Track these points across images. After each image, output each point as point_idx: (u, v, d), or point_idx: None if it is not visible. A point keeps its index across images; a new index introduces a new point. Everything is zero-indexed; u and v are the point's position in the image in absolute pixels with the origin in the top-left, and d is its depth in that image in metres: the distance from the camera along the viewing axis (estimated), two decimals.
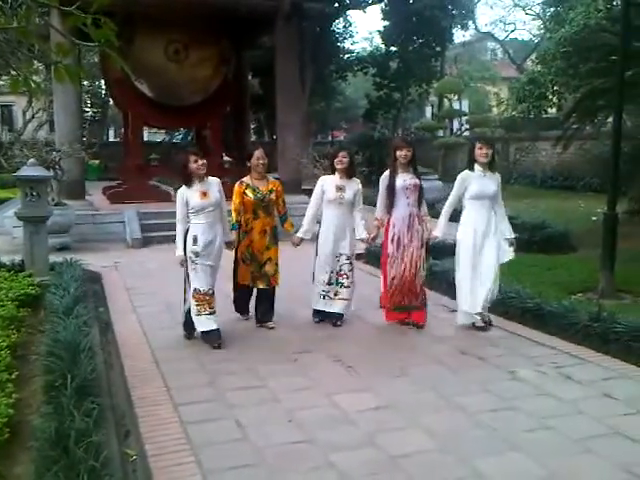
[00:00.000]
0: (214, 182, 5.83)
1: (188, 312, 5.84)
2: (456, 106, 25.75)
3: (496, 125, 24.31)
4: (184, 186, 5.73)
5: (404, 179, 6.10)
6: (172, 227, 11.68)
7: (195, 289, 5.70)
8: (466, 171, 6.12)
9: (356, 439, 3.94)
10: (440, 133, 24.56)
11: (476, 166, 6.05)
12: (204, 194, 5.66)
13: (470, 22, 31.38)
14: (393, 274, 6.16)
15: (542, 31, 27.84)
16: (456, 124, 25.63)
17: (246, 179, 6.20)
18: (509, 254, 6.12)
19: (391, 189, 6.10)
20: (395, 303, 6.23)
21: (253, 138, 27.88)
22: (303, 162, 13.18)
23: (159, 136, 30.46)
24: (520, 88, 19.75)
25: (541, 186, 20.48)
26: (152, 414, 4.32)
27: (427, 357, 5.45)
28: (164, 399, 4.57)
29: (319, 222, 6.35)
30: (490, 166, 6.08)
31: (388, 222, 6.19)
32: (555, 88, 18.88)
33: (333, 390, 4.69)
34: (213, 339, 5.71)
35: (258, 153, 6.13)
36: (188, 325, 5.91)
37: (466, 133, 24.53)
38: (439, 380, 4.89)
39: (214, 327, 5.74)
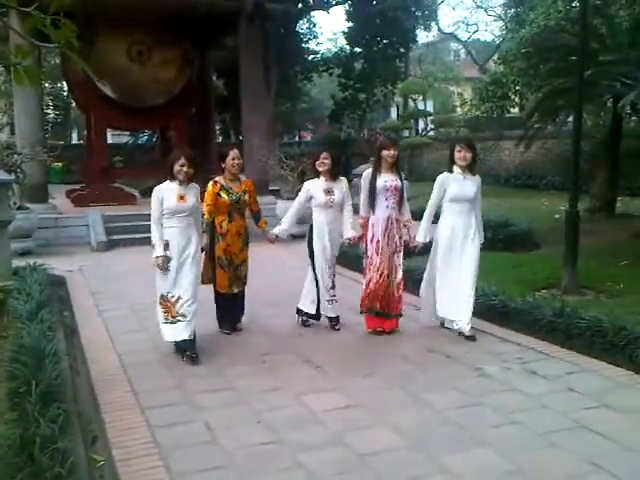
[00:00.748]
0: (194, 188, 5.56)
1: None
2: (421, 106, 26.01)
3: (460, 125, 24.64)
4: (164, 184, 5.48)
5: (385, 180, 5.94)
6: (137, 229, 11.72)
7: (162, 295, 5.44)
8: (445, 173, 5.95)
9: (325, 438, 3.95)
10: (405, 133, 24.75)
11: (455, 168, 5.90)
12: (181, 197, 5.43)
13: (433, 23, 31.75)
14: (370, 276, 6.02)
15: (504, 32, 28.21)
16: (421, 124, 25.88)
17: (220, 179, 6.01)
18: None
19: (372, 189, 5.96)
20: (369, 305, 6.07)
21: (219, 139, 27.76)
22: (270, 163, 13.16)
23: (124, 138, 30.06)
24: (483, 88, 20.10)
25: (505, 185, 20.75)
26: (119, 419, 4.27)
27: (395, 356, 5.49)
28: (131, 403, 4.53)
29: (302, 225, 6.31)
30: (471, 168, 5.91)
31: (368, 223, 6.06)
32: (517, 88, 19.23)
33: (302, 390, 4.69)
34: (186, 348, 5.39)
35: (233, 153, 5.98)
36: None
37: (431, 133, 24.80)
38: (407, 378, 4.93)
39: (186, 337, 5.40)
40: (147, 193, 15.72)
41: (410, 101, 27.74)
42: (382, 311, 6.06)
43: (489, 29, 56.40)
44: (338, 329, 6.20)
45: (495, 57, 27.57)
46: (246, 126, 14.14)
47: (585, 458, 3.63)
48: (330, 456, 3.72)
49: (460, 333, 5.86)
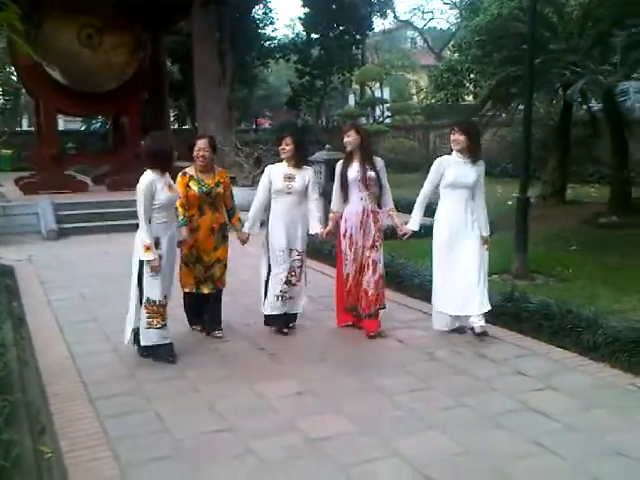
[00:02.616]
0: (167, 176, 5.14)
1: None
2: (378, 94, 26.08)
3: (416, 112, 24.79)
4: (151, 175, 4.89)
5: (357, 170, 5.53)
6: (89, 218, 11.52)
7: (148, 299, 4.93)
8: (444, 156, 5.59)
9: (277, 425, 3.95)
10: (363, 120, 24.80)
11: (454, 152, 5.52)
12: (170, 187, 5.00)
13: (389, 10, 31.84)
14: (347, 272, 5.66)
15: (459, 20, 28.45)
16: (378, 112, 25.96)
17: (190, 170, 5.51)
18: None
19: (343, 180, 5.58)
20: (350, 302, 5.72)
21: (175, 126, 27.38)
22: (225, 150, 13.04)
23: (77, 124, 29.41)
24: (438, 76, 20.16)
25: None
26: (67, 409, 4.20)
27: (348, 342, 5.52)
28: (80, 394, 4.46)
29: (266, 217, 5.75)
30: (472, 153, 5.47)
31: (341, 216, 5.66)
32: (471, 76, 19.37)
33: (255, 378, 4.68)
34: (164, 353, 5.04)
35: (200, 143, 5.42)
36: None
37: (387, 120, 24.91)
38: (360, 364, 4.97)
39: (166, 341, 5.06)
40: (99, 180, 15.51)
41: (367, 88, 27.79)
42: (358, 309, 5.71)
43: (444, 17, 56.64)
44: (286, 332, 5.69)
45: (451, 45, 27.80)
46: (200, 112, 14.01)
47: (530, 438, 3.71)
48: (282, 442, 3.73)
49: (472, 329, 5.50)
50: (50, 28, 13.26)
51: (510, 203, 12.24)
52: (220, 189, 5.54)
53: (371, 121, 25.02)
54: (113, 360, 5.13)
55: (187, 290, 5.68)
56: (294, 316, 5.85)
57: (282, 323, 5.73)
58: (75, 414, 4.13)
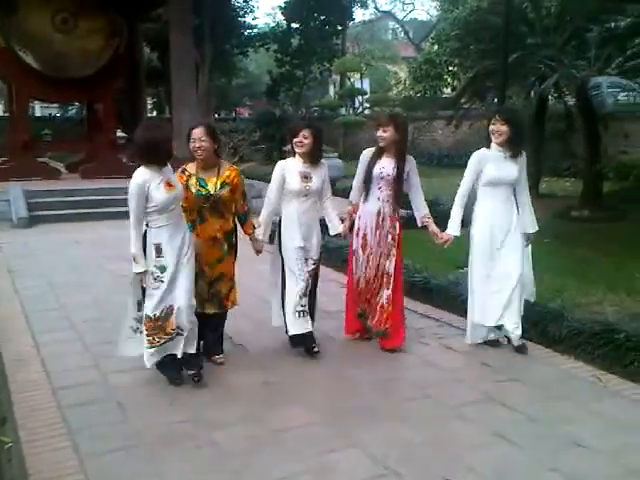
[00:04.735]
0: (169, 166, 4.34)
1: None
2: (357, 85, 26.07)
3: (395, 104, 24.79)
4: (144, 173, 4.14)
5: (383, 166, 4.91)
6: (61, 205, 11.36)
7: (147, 316, 4.26)
8: (482, 150, 4.97)
9: (240, 416, 3.93)
10: (342, 111, 24.78)
11: (493, 145, 4.92)
12: (169, 185, 4.19)
13: (370, 1, 31.81)
14: (358, 274, 5.09)
15: (439, 12, 28.48)
16: (357, 102, 25.95)
17: (190, 167, 4.58)
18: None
19: (367, 175, 4.95)
20: (360, 305, 5.14)
21: (153, 114, 27.15)
22: None
23: (53, 110, 29.04)
24: (417, 68, 20.26)
25: (438, 164, 21.02)
26: (29, 399, 4.15)
27: (317, 333, 5.50)
28: (43, 383, 4.40)
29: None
30: (514, 145, 4.87)
31: (354, 212, 5.09)
32: (450, 68, 19.47)
33: (220, 368, 4.66)
34: (169, 373, 4.39)
35: (196, 133, 4.47)
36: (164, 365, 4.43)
37: (367, 111, 24.90)
38: (327, 355, 4.95)
39: (188, 350, 4.35)
40: (73, 168, 15.31)
41: (347, 79, 27.76)
42: (368, 319, 5.12)
43: (425, 8, 56.82)
44: (316, 351, 4.88)
45: (430, 37, 27.84)
46: (176, 100, 13.87)
47: (491, 429, 3.74)
48: (244, 433, 3.71)
49: (509, 341, 5.02)
50: (24, 12, 13.05)
51: None
52: (225, 192, 4.54)
53: (350, 112, 24.99)
54: (78, 349, 5.07)
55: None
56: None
57: (309, 341, 4.93)
58: (37, 404, 4.08)
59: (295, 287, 4.80)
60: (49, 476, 3.30)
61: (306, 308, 4.84)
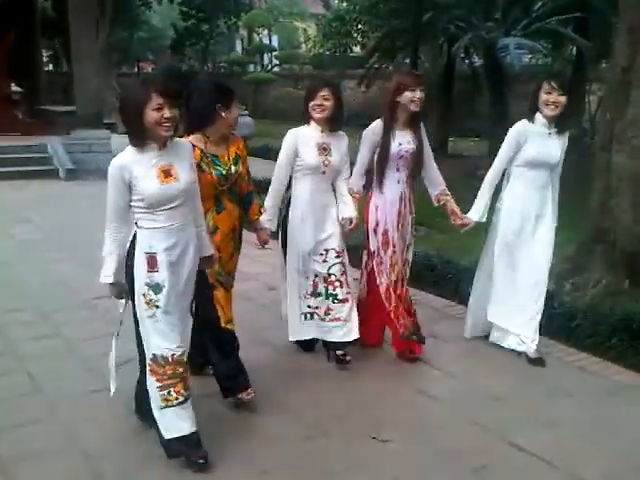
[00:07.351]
0: (183, 149, 3.04)
1: (141, 384, 3.15)
2: (266, 41, 25.60)
3: (304, 62, 24.59)
4: (126, 154, 2.92)
5: (400, 142, 3.98)
6: None
7: (154, 355, 2.96)
8: (524, 122, 4.15)
9: None
10: (251, 68, 24.33)
11: (538, 117, 4.09)
12: (166, 173, 2.89)
13: None
14: (384, 282, 4.09)
15: None
16: (266, 59, 25.53)
17: (198, 141, 3.40)
18: None
19: (384, 153, 3.97)
20: (405, 325, 4.12)
21: (49, 67, 25.64)
22: (106, 94, 12.35)
23: None
24: (326, 25, 20.06)
25: (348, 125, 20.95)
26: None
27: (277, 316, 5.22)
28: None
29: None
30: (559, 121, 4.10)
31: (368, 203, 4.13)
32: (359, 26, 19.38)
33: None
34: (191, 451, 3.00)
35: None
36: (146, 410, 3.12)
37: (276, 69, 24.56)
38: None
39: (192, 429, 3.00)
40: None
41: (255, 35, 27.19)
42: (413, 330, 4.17)
43: None
44: (348, 361, 4.04)
45: None
46: (76, 53, 13.06)
47: (412, 385, 3.84)
48: None
49: (519, 353, 4.25)
50: None
51: None
52: (240, 167, 3.56)
53: (259, 69, 24.58)
54: None
55: (226, 326, 3.54)
56: (345, 344, 4.07)
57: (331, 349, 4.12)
58: None
59: (302, 282, 4.03)
60: None
61: (320, 310, 4.03)
